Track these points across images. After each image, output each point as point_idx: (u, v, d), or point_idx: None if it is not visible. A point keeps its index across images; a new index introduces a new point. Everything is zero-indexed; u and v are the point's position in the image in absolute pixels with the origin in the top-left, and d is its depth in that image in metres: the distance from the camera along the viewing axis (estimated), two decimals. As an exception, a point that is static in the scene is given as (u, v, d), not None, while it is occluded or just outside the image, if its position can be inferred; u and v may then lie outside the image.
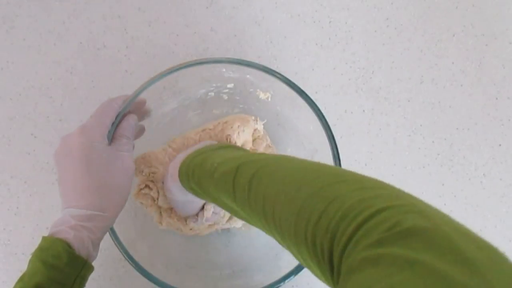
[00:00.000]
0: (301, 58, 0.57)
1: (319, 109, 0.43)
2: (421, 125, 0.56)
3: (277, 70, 0.46)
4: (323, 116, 0.43)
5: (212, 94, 0.52)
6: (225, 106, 0.53)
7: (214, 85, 0.51)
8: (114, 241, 0.43)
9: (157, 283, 0.43)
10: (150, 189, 0.49)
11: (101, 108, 0.42)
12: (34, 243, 0.53)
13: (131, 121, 0.43)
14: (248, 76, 0.48)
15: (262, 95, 0.51)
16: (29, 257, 0.53)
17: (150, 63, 0.57)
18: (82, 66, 0.57)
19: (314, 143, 0.46)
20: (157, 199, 0.49)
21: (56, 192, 0.54)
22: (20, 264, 0.53)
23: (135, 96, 0.44)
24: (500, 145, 0.56)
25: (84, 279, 0.37)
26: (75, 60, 0.57)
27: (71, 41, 0.57)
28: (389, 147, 0.56)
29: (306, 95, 0.44)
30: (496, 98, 0.56)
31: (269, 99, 0.50)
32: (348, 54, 0.57)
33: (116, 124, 0.42)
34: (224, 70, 0.48)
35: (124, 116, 0.43)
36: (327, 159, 0.43)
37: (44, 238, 0.37)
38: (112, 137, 0.42)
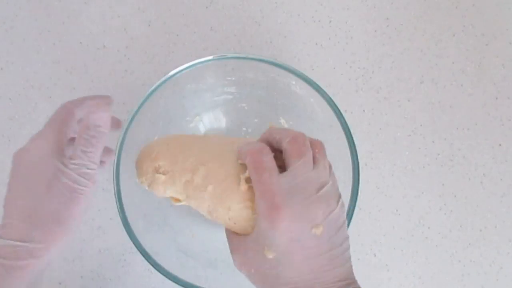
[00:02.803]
0: (301, 58, 0.57)
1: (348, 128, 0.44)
2: (421, 125, 0.56)
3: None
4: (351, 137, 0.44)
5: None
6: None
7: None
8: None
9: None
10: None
11: (56, 113, 0.35)
12: (34, 243, 0.53)
13: (101, 114, 0.34)
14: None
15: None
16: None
17: (150, 63, 0.57)
18: (82, 66, 0.57)
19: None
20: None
21: (56, 192, 0.54)
22: (20, 264, 0.53)
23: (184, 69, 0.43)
24: (500, 145, 0.56)
25: None
26: (75, 60, 0.57)
27: (71, 41, 0.57)
28: (389, 147, 0.56)
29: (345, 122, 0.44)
30: (496, 98, 0.56)
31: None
32: (348, 54, 0.57)
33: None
34: (293, 83, 0.47)
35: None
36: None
37: None
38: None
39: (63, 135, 0.34)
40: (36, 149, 0.33)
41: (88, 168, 0.34)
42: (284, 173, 0.32)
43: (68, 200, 0.32)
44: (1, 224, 0.32)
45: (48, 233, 0.31)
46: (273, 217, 0.30)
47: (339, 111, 0.45)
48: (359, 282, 0.48)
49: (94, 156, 0.34)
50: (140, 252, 0.42)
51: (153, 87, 0.45)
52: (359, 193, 0.43)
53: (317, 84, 0.45)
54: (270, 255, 0.32)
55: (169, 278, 0.42)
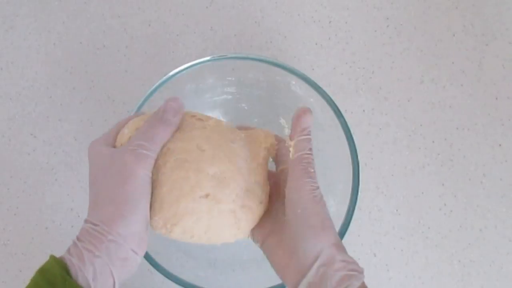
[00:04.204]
0: (301, 58, 0.57)
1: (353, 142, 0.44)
2: (421, 125, 0.56)
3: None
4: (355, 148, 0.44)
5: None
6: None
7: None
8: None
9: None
10: None
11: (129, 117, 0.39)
12: (34, 243, 0.53)
13: (173, 104, 0.37)
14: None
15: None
16: (29, 256, 0.53)
17: (150, 63, 0.57)
18: (82, 66, 0.57)
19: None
20: None
21: (56, 192, 0.55)
22: (20, 264, 0.53)
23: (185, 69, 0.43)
24: (500, 145, 0.56)
25: None
26: (75, 60, 0.57)
27: (71, 41, 0.57)
28: (389, 147, 0.56)
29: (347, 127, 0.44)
30: (496, 98, 0.56)
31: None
32: (348, 54, 0.57)
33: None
34: (293, 83, 0.47)
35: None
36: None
37: (50, 256, 0.33)
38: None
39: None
40: (99, 141, 0.37)
41: (143, 149, 0.35)
42: None
43: (119, 181, 0.34)
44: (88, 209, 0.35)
45: (106, 214, 0.33)
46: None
47: (339, 111, 0.45)
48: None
49: (151, 138, 0.36)
50: None
51: (153, 87, 0.45)
52: (359, 193, 0.43)
53: (317, 84, 0.45)
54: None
55: (169, 278, 0.42)
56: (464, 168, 0.55)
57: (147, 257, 0.42)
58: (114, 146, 0.38)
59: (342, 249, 0.34)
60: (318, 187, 0.35)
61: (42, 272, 0.32)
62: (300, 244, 0.34)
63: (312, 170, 0.35)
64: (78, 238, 0.34)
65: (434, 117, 0.56)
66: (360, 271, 0.33)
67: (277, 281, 0.42)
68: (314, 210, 0.34)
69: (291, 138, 0.37)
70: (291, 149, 0.37)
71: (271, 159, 0.42)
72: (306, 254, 0.33)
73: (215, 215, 0.36)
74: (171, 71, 0.45)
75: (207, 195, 0.36)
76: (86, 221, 0.34)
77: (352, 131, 0.44)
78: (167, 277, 0.42)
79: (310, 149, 0.36)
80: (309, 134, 0.37)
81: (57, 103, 0.56)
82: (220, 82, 0.51)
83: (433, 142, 0.56)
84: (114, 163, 0.34)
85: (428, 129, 0.56)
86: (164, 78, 0.45)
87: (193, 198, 0.36)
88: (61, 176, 0.55)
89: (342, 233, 0.43)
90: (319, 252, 0.33)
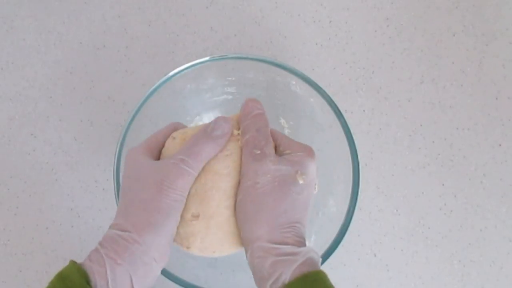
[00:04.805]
0: (301, 58, 0.57)
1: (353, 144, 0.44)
2: (421, 125, 0.56)
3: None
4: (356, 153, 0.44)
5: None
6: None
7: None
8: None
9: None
10: None
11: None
12: (34, 243, 0.53)
13: (224, 125, 0.36)
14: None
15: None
16: (29, 256, 0.53)
17: (150, 63, 0.57)
18: (82, 66, 0.57)
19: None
20: None
21: (56, 192, 0.54)
22: (20, 265, 0.53)
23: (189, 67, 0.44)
24: (500, 145, 0.56)
25: None
26: (75, 60, 0.57)
27: (71, 41, 0.57)
28: (389, 147, 0.56)
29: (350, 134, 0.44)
30: (496, 98, 0.56)
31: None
32: (348, 54, 0.57)
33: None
34: (293, 83, 0.47)
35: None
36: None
37: (70, 261, 0.33)
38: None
39: (158, 140, 0.39)
40: (137, 149, 0.37)
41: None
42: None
43: (150, 187, 0.34)
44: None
45: (136, 219, 0.33)
46: (310, 149, 0.37)
47: (339, 111, 0.45)
48: (359, 281, 0.48)
49: (196, 155, 0.36)
50: None
51: (153, 87, 0.45)
52: (359, 193, 0.43)
53: (317, 84, 0.45)
54: (301, 181, 0.35)
55: (169, 278, 0.42)
56: (464, 168, 0.55)
57: None
58: (157, 154, 0.38)
59: (276, 235, 0.33)
60: (270, 169, 0.34)
61: (61, 278, 0.31)
62: (240, 230, 0.35)
63: (258, 152, 0.35)
64: (101, 244, 0.33)
65: (434, 117, 0.56)
66: (295, 254, 0.32)
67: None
68: (250, 198, 0.34)
69: (239, 127, 0.38)
70: (239, 137, 0.37)
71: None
72: (244, 241, 0.35)
73: (215, 231, 0.36)
74: (171, 71, 0.45)
75: (196, 216, 0.36)
76: (112, 226, 0.34)
77: (352, 131, 0.44)
78: (167, 277, 0.42)
79: (257, 129, 0.37)
80: (255, 117, 0.37)
81: (57, 103, 0.56)
82: (220, 82, 0.51)
83: (433, 142, 0.56)
84: (154, 174, 0.34)
85: (428, 129, 0.56)
86: (164, 78, 0.45)
87: (186, 223, 0.36)
88: (61, 176, 0.55)
89: (342, 233, 0.42)
90: (252, 239, 0.34)
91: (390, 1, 0.58)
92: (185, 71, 0.46)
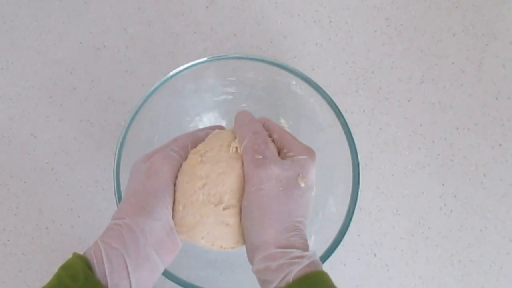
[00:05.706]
0: (301, 58, 0.57)
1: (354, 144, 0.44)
2: (421, 125, 0.56)
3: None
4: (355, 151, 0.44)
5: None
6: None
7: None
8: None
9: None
10: None
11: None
12: (34, 243, 0.53)
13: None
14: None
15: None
16: (29, 256, 0.53)
17: (150, 63, 0.57)
18: (82, 66, 0.57)
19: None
20: None
21: (56, 192, 0.55)
22: (20, 265, 0.53)
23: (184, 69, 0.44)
24: (500, 145, 0.56)
25: None
26: (75, 60, 0.57)
27: (71, 41, 0.57)
28: (389, 147, 0.56)
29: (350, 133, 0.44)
30: (496, 98, 0.56)
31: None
32: (348, 54, 0.57)
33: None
34: (293, 83, 0.47)
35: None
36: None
37: (73, 253, 0.34)
38: None
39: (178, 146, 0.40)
40: (150, 153, 0.39)
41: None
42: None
43: (148, 178, 0.36)
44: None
45: (128, 206, 0.35)
46: (312, 153, 0.37)
47: (339, 111, 0.45)
48: (359, 281, 0.48)
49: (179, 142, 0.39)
50: None
51: (153, 87, 0.45)
52: (359, 193, 0.43)
53: (317, 84, 0.45)
54: (303, 184, 0.36)
55: (169, 278, 0.42)
56: (464, 168, 0.55)
57: None
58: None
59: (282, 239, 0.34)
60: (273, 174, 0.35)
61: (65, 267, 0.33)
62: (246, 235, 0.36)
63: (260, 157, 0.36)
64: (100, 236, 0.34)
65: (434, 117, 0.56)
66: (302, 257, 0.33)
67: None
68: (256, 203, 0.35)
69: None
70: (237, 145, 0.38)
71: None
72: (249, 246, 0.35)
73: (219, 221, 0.36)
74: (171, 71, 0.45)
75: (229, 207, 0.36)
76: (111, 219, 0.35)
77: (352, 131, 0.44)
78: (167, 277, 0.42)
79: (254, 132, 0.37)
80: (250, 122, 0.39)
81: (57, 103, 0.56)
82: (220, 82, 0.51)
83: (433, 142, 0.56)
84: (144, 165, 0.37)
85: (428, 129, 0.56)
86: (164, 78, 0.45)
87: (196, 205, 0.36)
88: (61, 176, 0.55)
89: (342, 233, 0.42)
90: (259, 244, 0.34)
91: (390, 1, 0.58)
92: (185, 71, 0.46)
